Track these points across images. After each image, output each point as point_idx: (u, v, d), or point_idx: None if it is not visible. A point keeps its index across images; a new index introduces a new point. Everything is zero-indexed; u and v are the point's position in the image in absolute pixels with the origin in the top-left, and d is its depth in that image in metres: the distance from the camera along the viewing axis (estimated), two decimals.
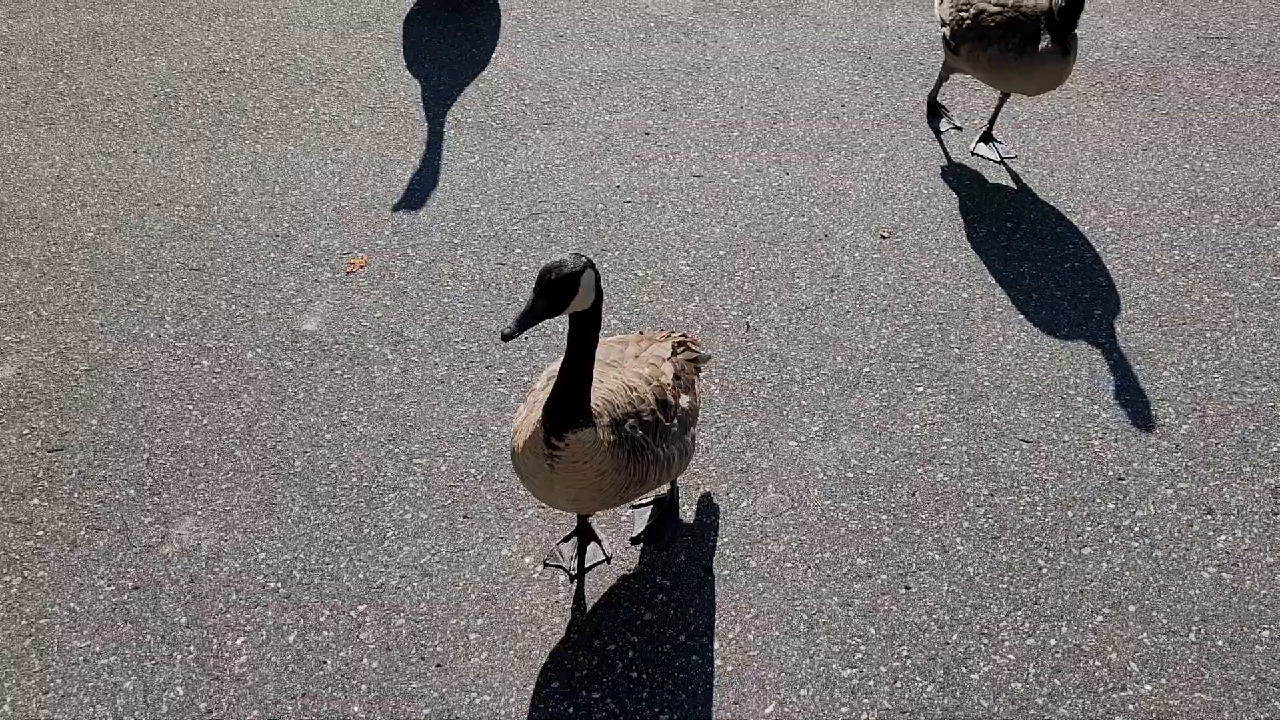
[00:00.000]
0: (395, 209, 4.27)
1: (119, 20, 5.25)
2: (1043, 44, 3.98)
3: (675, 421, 2.84)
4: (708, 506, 3.29)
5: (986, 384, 3.63)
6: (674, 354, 2.99)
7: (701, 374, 3.24)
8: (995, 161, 4.47)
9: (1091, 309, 3.89)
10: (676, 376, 2.91)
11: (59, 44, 5.11)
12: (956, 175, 4.45)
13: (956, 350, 3.74)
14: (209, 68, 4.96)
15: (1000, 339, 3.78)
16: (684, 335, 3.11)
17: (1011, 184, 4.41)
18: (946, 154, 4.55)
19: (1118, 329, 3.81)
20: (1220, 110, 4.77)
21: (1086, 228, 4.21)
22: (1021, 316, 3.86)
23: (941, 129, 4.65)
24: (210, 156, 4.51)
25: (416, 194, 4.34)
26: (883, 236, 4.17)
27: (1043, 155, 4.53)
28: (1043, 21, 3.99)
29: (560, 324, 3.82)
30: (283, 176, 4.42)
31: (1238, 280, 3.98)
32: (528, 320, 2.42)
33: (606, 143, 4.60)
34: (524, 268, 4.03)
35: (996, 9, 4.11)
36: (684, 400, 2.90)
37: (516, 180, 4.41)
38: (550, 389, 2.61)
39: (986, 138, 4.52)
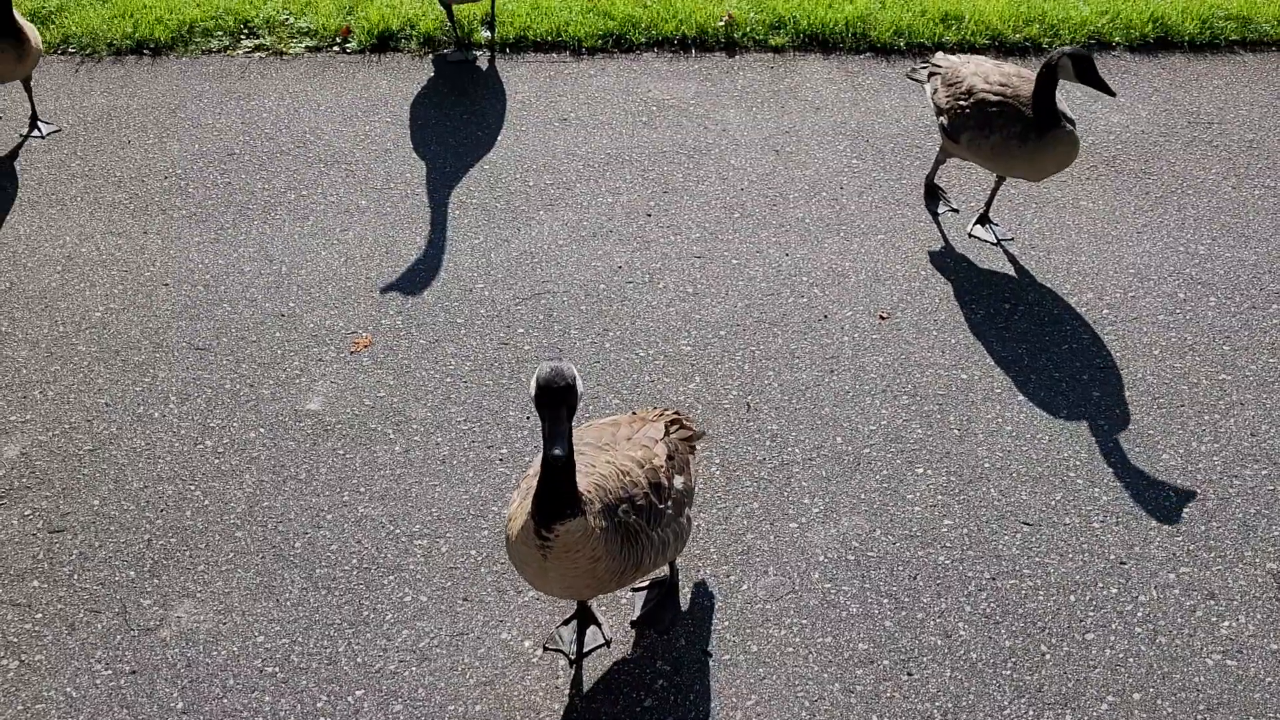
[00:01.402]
0: (400, 289, 4.33)
1: (132, 104, 5.37)
2: (1042, 133, 4.05)
3: (669, 504, 2.84)
4: (708, 589, 3.28)
5: (987, 465, 3.64)
6: (667, 433, 3.01)
7: (697, 452, 3.25)
8: (992, 243, 4.53)
9: (1090, 390, 3.91)
10: (670, 457, 2.92)
11: (73, 126, 5.22)
12: (954, 257, 4.51)
13: (956, 431, 3.76)
14: (220, 150, 5.06)
15: (1000, 420, 3.80)
16: (676, 413, 3.13)
17: (1008, 266, 4.46)
18: (944, 236, 4.62)
19: (1116, 411, 3.83)
20: (1213, 194, 4.85)
21: (1083, 309, 4.25)
22: (1021, 397, 3.88)
23: (939, 211, 4.72)
24: (219, 237, 4.59)
25: (421, 274, 4.40)
26: (881, 317, 4.21)
27: (1039, 238, 4.59)
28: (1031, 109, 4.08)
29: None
30: (290, 256, 4.49)
31: (1235, 363, 4.01)
32: (563, 434, 2.46)
33: (609, 223, 4.67)
34: (526, 347, 4.07)
35: (996, 97, 4.18)
36: (678, 481, 2.91)
37: (520, 260, 4.48)
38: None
39: (983, 220, 4.59)
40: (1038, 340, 4.11)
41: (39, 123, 5.13)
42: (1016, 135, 4.11)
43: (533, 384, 2.52)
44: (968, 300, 4.29)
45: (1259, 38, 5.81)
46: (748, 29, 5.81)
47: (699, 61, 5.71)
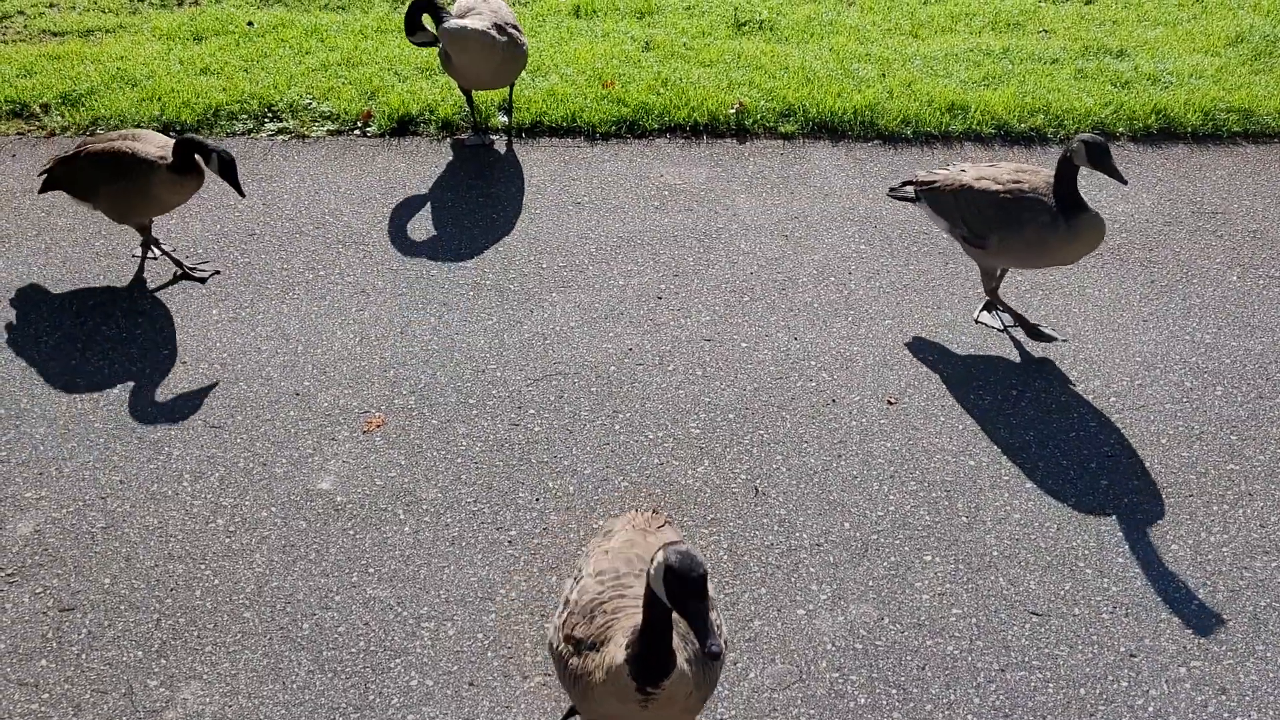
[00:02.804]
0: (414, 369, 4.39)
1: None
2: (1071, 218, 4.06)
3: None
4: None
5: (995, 553, 3.64)
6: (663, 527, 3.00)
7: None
8: (999, 330, 4.57)
9: (1098, 479, 3.92)
10: None
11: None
12: (961, 342, 4.56)
13: (964, 518, 3.76)
14: (241, 230, 5.17)
15: (1008, 508, 3.81)
16: (655, 509, 3.12)
17: (1015, 352, 4.50)
18: (1021, 349, 4.48)
19: (1125, 500, 3.83)
20: (1218, 283, 4.90)
21: (1090, 397, 4.27)
22: (1029, 485, 3.89)
23: (992, 324, 4.60)
24: (237, 316, 4.67)
25: (435, 354, 4.47)
26: (889, 402, 4.24)
27: (1045, 324, 4.63)
28: (1052, 197, 4.10)
29: (547, 466, 3.87)
30: (306, 335, 4.56)
31: (1243, 453, 4.02)
32: (713, 627, 2.41)
33: (620, 306, 4.74)
34: (536, 428, 4.11)
35: (1013, 194, 4.15)
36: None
37: (532, 342, 4.54)
38: (611, 616, 2.62)
39: (990, 306, 4.63)
40: (1045, 427, 4.13)
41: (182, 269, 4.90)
42: (1047, 225, 4.09)
43: (660, 572, 2.40)
44: (975, 386, 4.32)
45: (1261, 130, 5.92)
46: (758, 116, 5.95)
47: (710, 147, 5.83)
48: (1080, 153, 4.01)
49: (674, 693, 2.55)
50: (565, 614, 2.77)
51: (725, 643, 2.73)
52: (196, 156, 4.48)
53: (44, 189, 4.80)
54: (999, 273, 4.51)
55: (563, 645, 2.72)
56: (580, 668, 2.65)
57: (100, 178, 4.56)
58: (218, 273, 4.86)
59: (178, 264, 4.87)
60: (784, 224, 5.27)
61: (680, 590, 2.37)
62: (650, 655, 2.52)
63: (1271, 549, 3.65)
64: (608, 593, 2.72)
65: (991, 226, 4.22)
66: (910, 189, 4.58)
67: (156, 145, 4.57)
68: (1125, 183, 4.08)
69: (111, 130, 5.94)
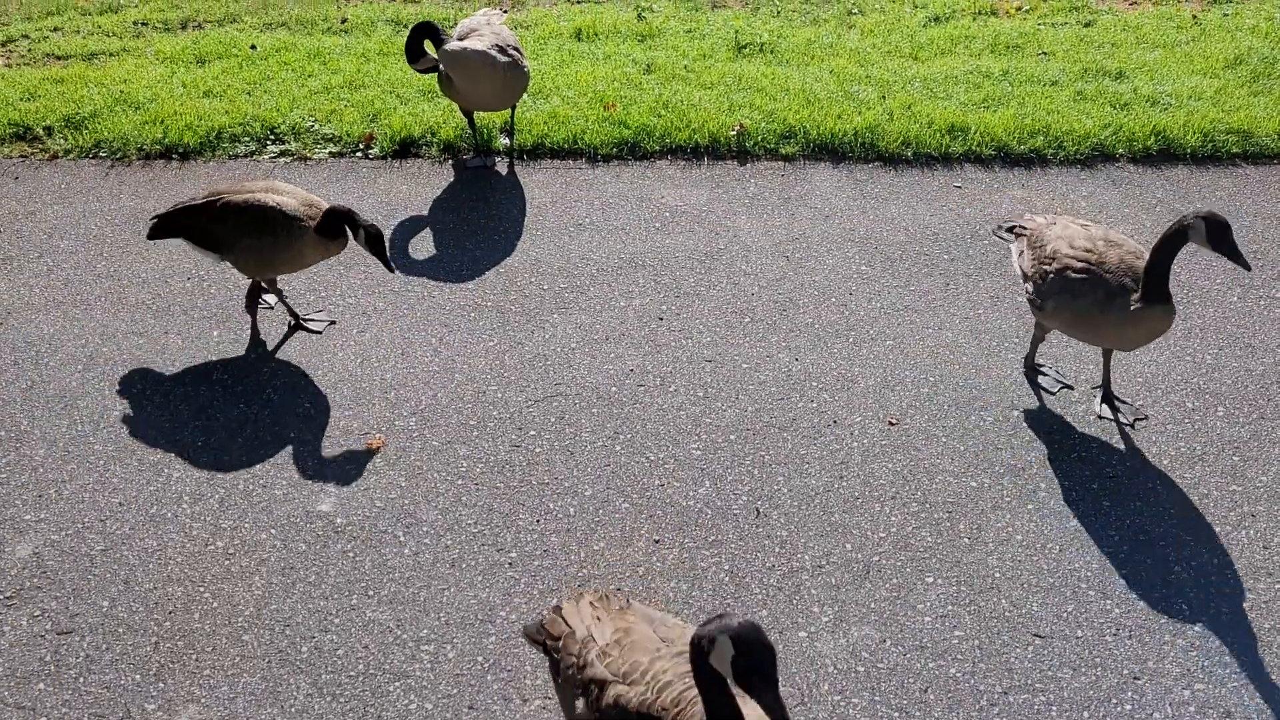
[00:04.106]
0: (414, 390, 4.39)
1: (159, 206, 5.51)
2: (1134, 301, 3.79)
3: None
4: None
5: (997, 575, 3.62)
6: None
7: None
8: (1126, 424, 4.19)
9: (1100, 500, 3.90)
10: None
11: (100, 228, 5.36)
12: (962, 363, 4.55)
13: (966, 540, 3.75)
14: None
15: (1010, 529, 3.79)
16: (605, 597, 2.87)
17: (1017, 373, 4.49)
18: (1064, 421, 4.20)
19: (1127, 521, 3.82)
20: (1219, 304, 4.90)
21: (1092, 418, 4.26)
22: (1030, 506, 3.88)
23: (1053, 390, 4.36)
24: (238, 338, 4.67)
25: (436, 375, 4.46)
26: (890, 423, 4.24)
27: (1047, 347, 4.63)
28: (1129, 278, 3.84)
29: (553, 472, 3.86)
30: (307, 357, 4.56)
31: (1245, 474, 4.01)
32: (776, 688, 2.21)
33: (621, 327, 4.74)
34: (537, 450, 4.10)
35: (1081, 264, 3.92)
36: None
37: (533, 363, 4.54)
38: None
39: (1108, 398, 4.25)
40: (1046, 448, 4.12)
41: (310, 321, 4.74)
42: (1103, 304, 3.84)
43: (728, 644, 2.20)
44: (976, 406, 4.32)
45: (1260, 151, 5.94)
46: (759, 138, 5.97)
47: (711, 169, 5.86)
48: (1200, 231, 3.65)
49: None
50: None
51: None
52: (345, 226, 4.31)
53: (155, 235, 4.47)
54: (1105, 352, 4.23)
55: None
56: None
57: (241, 231, 4.30)
58: (333, 323, 4.66)
59: (293, 315, 4.65)
60: (785, 245, 5.28)
61: (759, 659, 2.17)
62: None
63: (1275, 570, 3.63)
64: (650, 694, 2.47)
65: (1051, 290, 3.99)
66: (1009, 229, 4.40)
67: (299, 200, 4.36)
68: (1249, 268, 3.73)
69: (114, 152, 5.95)
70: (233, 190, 4.43)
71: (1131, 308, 3.81)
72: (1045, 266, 4.03)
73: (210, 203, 4.39)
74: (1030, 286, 4.13)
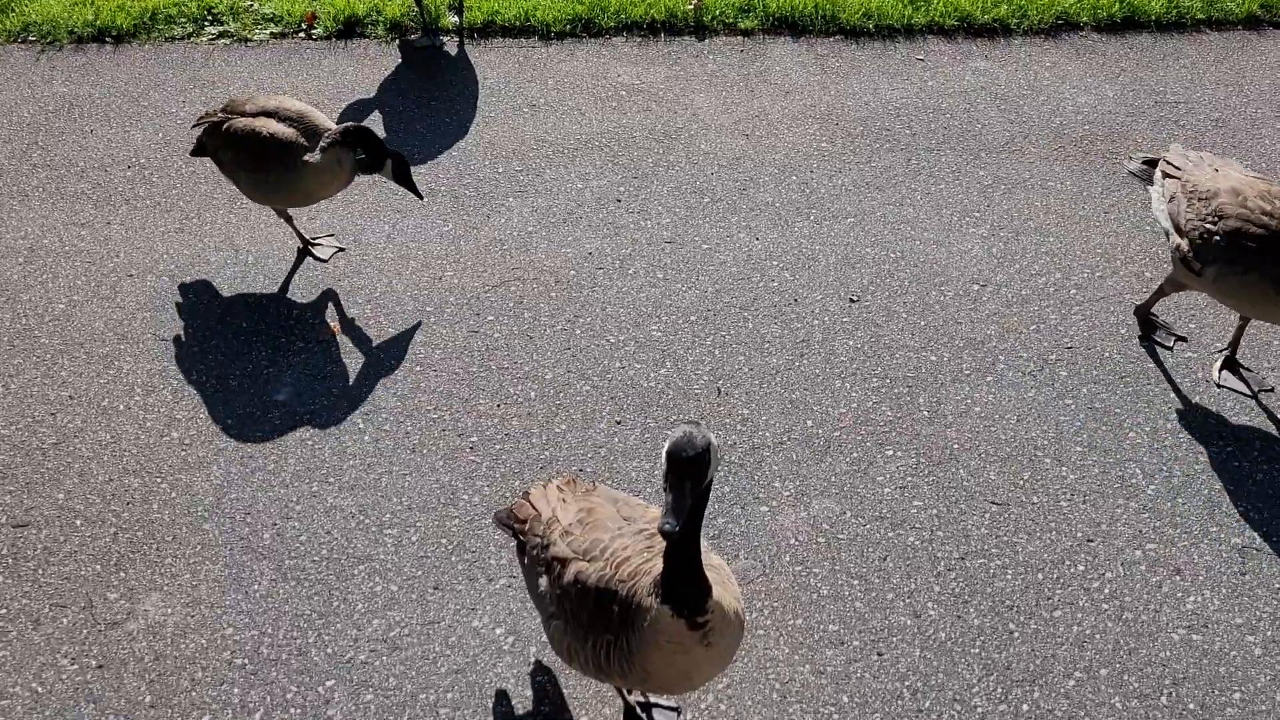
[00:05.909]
0: (369, 277, 4.29)
1: (94, 92, 5.29)
2: None
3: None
4: None
5: (955, 446, 3.66)
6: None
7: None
8: (1248, 395, 3.77)
9: (1057, 370, 3.93)
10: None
11: (34, 116, 5.14)
12: (923, 239, 4.52)
13: (925, 413, 3.77)
14: (184, 138, 5.00)
15: (968, 401, 3.82)
16: (572, 481, 2.84)
17: (977, 247, 4.47)
18: (1171, 380, 3.85)
19: (1084, 390, 3.86)
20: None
21: (1051, 289, 4.27)
22: (989, 379, 3.90)
23: (1169, 344, 3.96)
24: (184, 227, 4.54)
25: (390, 262, 4.37)
26: (851, 300, 4.22)
27: (1006, 219, 4.60)
28: None
29: (505, 369, 3.84)
30: (256, 246, 4.44)
31: (1200, 340, 4.04)
32: (682, 509, 2.19)
33: (579, 210, 4.65)
34: (496, 335, 4.05)
35: (1259, 229, 3.38)
36: None
37: (489, 248, 4.45)
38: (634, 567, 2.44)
39: (1231, 364, 3.83)
40: (1005, 321, 4.13)
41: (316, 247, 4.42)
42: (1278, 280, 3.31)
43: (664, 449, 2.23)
44: (937, 283, 4.30)
45: (1224, 17, 5.84)
46: (717, 12, 5.79)
47: (668, 46, 5.69)
48: None
49: (724, 613, 2.37)
50: (568, 616, 2.53)
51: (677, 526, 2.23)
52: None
53: (196, 153, 4.22)
54: (1240, 319, 3.78)
55: (590, 645, 2.49)
56: (625, 648, 2.43)
57: (239, 164, 4.01)
58: (342, 250, 4.37)
59: (302, 239, 4.35)
60: (744, 123, 5.16)
61: (673, 462, 2.18)
62: (683, 584, 2.31)
63: (1227, 435, 3.69)
64: (609, 569, 2.47)
65: (1217, 256, 3.47)
66: (1140, 162, 3.88)
67: (302, 122, 3.94)
68: None
69: (45, 35, 5.69)
70: (241, 105, 4.05)
71: None
72: (1209, 225, 3.48)
73: (218, 124, 4.06)
74: (1184, 243, 3.56)
